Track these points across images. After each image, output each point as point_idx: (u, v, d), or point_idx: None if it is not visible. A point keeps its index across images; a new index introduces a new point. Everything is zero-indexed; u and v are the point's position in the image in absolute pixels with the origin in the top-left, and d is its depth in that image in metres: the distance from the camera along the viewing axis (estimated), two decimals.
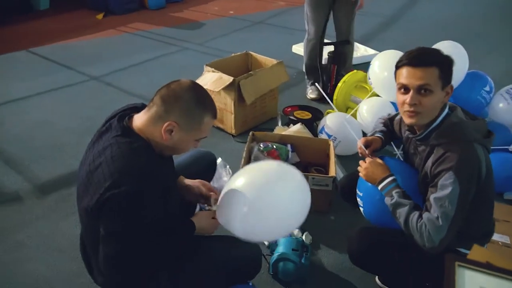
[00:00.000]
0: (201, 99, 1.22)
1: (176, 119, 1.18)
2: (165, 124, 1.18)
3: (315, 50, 3.16)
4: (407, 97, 1.37)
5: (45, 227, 2.03)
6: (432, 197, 1.34)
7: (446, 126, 1.39)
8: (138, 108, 1.31)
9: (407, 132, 1.58)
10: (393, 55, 2.49)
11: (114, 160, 1.13)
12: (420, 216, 1.35)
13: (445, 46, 2.53)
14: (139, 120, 1.23)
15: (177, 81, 1.25)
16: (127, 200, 1.09)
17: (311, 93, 3.31)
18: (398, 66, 1.42)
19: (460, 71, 2.48)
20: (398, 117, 1.75)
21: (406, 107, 1.39)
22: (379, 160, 1.58)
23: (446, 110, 1.42)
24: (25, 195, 2.24)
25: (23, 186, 2.31)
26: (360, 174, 1.60)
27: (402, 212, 1.40)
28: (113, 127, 1.22)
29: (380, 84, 2.58)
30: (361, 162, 1.62)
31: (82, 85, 3.50)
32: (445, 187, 1.31)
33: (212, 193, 1.49)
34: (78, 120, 2.96)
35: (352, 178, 1.77)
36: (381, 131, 1.77)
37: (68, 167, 2.44)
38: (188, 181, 1.54)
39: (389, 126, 1.79)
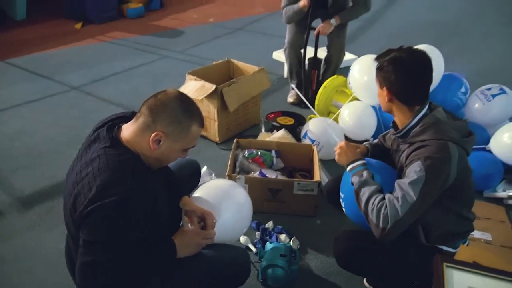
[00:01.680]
0: (188, 108, 1.23)
1: (163, 128, 1.19)
2: (153, 134, 1.18)
3: (294, 55, 3.19)
4: None
5: (29, 241, 1.98)
6: (397, 181, 1.39)
7: (422, 125, 1.44)
8: (127, 117, 1.31)
9: (391, 132, 1.63)
10: (371, 60, 2.55)
11: (101, 172, 1.12)
12: (383, 198, 1.38)
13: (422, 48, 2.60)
14: (127, 131, 1.23)
15: (164, 91, 1.25)
16: (112, 210, 1.09)
17: (290, 97, 3.35)
18: None
19: (435, 74, 2.55)
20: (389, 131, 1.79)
21: None
22: (356, 146, 1.62)
23: (424, 109, 1.47)
24: (5, 209, 2.18)
25: (2, 198, 2.25)
26: (336, 157, 1.64)
27: (366, 190, 1.43)
28: (101, 137, 1.22)
29: (360, 88, 2.63)
30: (338, 144, 1.65)
31: (61, 95, 3.45)
32: (411, 174, 1.35)
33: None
34: (58, 130, 2.91)
35: (337, 182, 1.79)
36: (370, 143, 1.82)
37: (50, 178, 2.40)
38: (193, 207, 1.46)
39: (382, 143, 1.81)
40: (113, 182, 1.11)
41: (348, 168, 1.56)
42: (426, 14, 5.93)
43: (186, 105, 1.23)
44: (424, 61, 1.46)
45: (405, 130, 1.49)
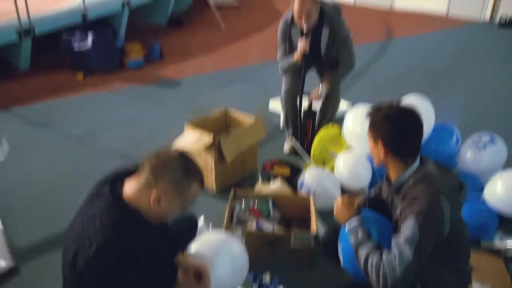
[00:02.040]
0: (188, 169, 1.28)
1: (164, 188, 1.23)
2: (154, 193, 1.22)
3: (290, 105, 3.29)
4: None
5: None
6: (393, 238, 1.41)
7: (415, 179, 1.48)
8: (129, 172, 1.35)
9: (385, 183, 1.67)
10: (364, 110, 2.63)
11: (102, 230, 1.15)
12: (381, 256, 1.39)
13: (412, 101, 2.70)
14: (129, 188, 1.27)
15: (166, 151, 1.30)
16: (111, 270, 1.11)
17: (286, 146, 3.41)
18: None
19: (427, 124, 2.63)
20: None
21: None
22: (352, 202, 1.66)
23: (416, 163, 1.52)
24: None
25: None
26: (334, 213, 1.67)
27: (364, 250, 1.44)
28: (104, 194, 1.26)
29: (355, 138, 2.70)
30: (335, 202, 1.68)
31: (61, 143, 3.51)
32: (406, 231, 1.37)
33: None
34: (57, 178, 2.94)
35: (333, 233, 1.81)
36: (368, 195, 1.86)
37: (45, 229, 2.39)
38: (187, 262, 1.46)
39: (378, 194, 1.84)
40: (113, 241, 1.13)
41: (346, 229, 1.58)
42: (415, 61, 6.16)
43: (187, 166, 1.28)
44: (415, 117, 1.53)
45: (398, 184, 1.53)
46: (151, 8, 7.97)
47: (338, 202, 1.66)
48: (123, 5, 6.68)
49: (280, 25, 3.10)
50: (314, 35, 2.99)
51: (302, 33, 2.97)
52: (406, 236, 1.36)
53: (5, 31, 4.98)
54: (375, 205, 1.75)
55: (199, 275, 1.42)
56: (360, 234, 1.49)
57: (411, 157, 1.53)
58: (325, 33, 2.99)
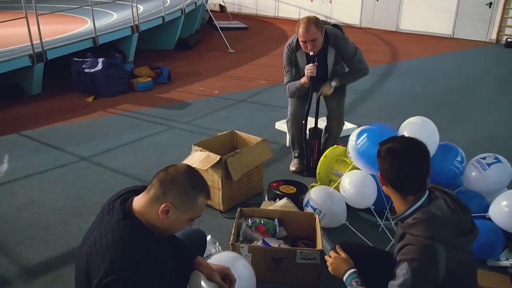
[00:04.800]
0: (195, 181, 1.33)
1: (172, 200, 1.28)
2: (162, 205, 1.27)
3: (296, 126, 3.35)
4: None
5: None
6: (389, 284, 1.43)
7: (415, 218, 1.46)
8: (138, 191, 1.40)
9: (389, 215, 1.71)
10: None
11: (115, 245, 1.20)
12: None
13: (415, 122, 2.74)
14: (138, 202, 1.32)
15: (174, 165, 1.36)
16: (125, 284, 1.14)
17: (292, 166, 3.45)
18: None
19: (431, 144, 2.66)
20: None
21: None
22: (343, 255, 1.71)
23: (421, 201, 1.49)
24: (12, 278, 2.21)
25: (9, 269, 2.28)
26: (329, 268, 1.73)
27: None
28: (115, 210, 1.31)
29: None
30: (326, 257, 1.76)
31: (71, 165, 3.58)
32: (399, 277, 1.40)
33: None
34: (66, 200, 2.99)
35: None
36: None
37: (57, 249, 2.43)
38: (211, 268, 1.57)
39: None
40: (126, 255, 1.18)
41: (344, 280, 1.65)
42: (421, 82, 6.24)
43: (194, 179, 1.34)
44: (418, 152, 1.51)
45: (400, 217, 1.54)
46: (159, 32, 8.20)
47: (330, 260, 1.72)
48: (132, 30, 6.91)
49: (285, 50, 3.19)
50: (320, 57, 3.07)
51: (307, 57, 3.05)
52: (399, 281, 1.39)
53: (19, 56, 5.15)
54: (367, 259, 1.80)
55: (227, 276, 1.47)
56: (355, 285, 1.56)
57: (412, 194, 1.51)
58: (330, 55, 3.07)
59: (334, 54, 3.07)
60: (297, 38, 3.05)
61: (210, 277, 1.52)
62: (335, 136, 3.35)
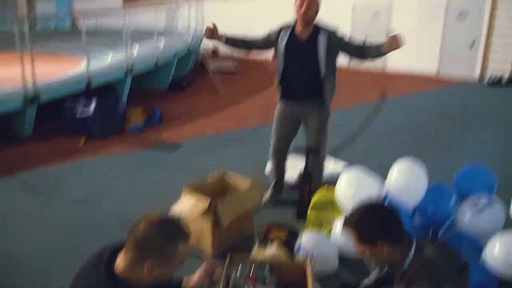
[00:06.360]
0: (169, 233, 1.31)
1: (152, 260, 1.26)
2: (145, 268, 1.25)
3: (276, 159, 3.48)
4: None
5: None
6: None
7: (414, 269, 1.51)
8: (117, 249, 1.38)
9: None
10: (355, 176, 2.71)
11: None
12: None
13: (404, 166, 2.75)
14: (120, 263, 1.30)
15: (144, 219, 1.33)
16: None
17: (264, 197, 3.51)
18: None
19: (420, 188, 2.69)
20: None
21: None
22: None
23: (411, 254, 1.55)
24: None
25: None
26: None
27: None
28: (99, 270, 1.28)
29: (348, 203, 2.72)
30: None
31: (59, 209, 3.52)
32: None
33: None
34: (53, 246, 2.93)
35: None
36: None
37: None
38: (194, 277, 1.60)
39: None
40: None
41: None
42: (409, 120, 6.34)
43: (167, 230, 1.31)
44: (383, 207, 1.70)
45: (399, 273, 1.56)
46: (153, 73, 8.33)
47: None
48: (126, 73, 7.00)
49: (277, 26, 3.22)
50: (310, 44, 3.05)
51: (289, 37, 3.07)
52: None
53: (11, 99, 5.17)
54: None
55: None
56: None
57: (405, 239, 1.60)
58: (322, 40, 3.02)
59: (326, 40, 3.02)
60: (286, 26, 3.12)
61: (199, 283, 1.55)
62: (316, 178, 3.36)
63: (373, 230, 1.60)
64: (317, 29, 3.07)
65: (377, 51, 2.97)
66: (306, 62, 3.09)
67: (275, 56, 3.21)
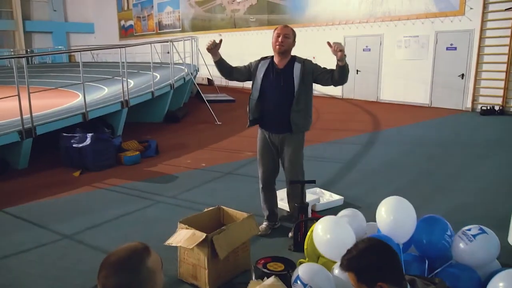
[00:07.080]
0: (137, 272, 1.28)
1: None
2: None
3: (265, 189, 3.60)
4: None
5: None
6: None
7: None
8: None
9: None
10: (333, 221, 2.72)
11: None
12: None
13: (391, 203, 2.75)
14: None
15: (108, 262, 1.33)
16: None
17: (260, 227, 3.53)
18: None
19: (409, 224, 2.69)
20: None
21: None
22: None
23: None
24: None
25: None
26: None
27: None
28: None
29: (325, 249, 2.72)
30: None
31: (52, 244, 3.47)
32: None
33: None
34: (45, 282, 2.87)
35: None
36: None
37: None
38: None
39: None
40: None
41: None
42: (400, 156, 6.34)
43: (128, 262, 1.29)
44: (383, 245, 1.66)
45: None
46: (149, 106, 8.42)
47: None
48: (122, 105, 7.08)
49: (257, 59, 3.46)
50: (286, 70, 3.30)
51: (267, 68, 3.31)
52: None
53: (7, 132, 5.19)
54: None
55: None
56: None
57: (404, 280, 1.60)
58: (297, 66, 3.29)
59: (300, 66, 3.28)
60: (265, 57, 3.38)
61: None
62: (297, 200, 3.39)
63: (373, 272, 1.57)
64: (293, 59, 3.35)
65: (337, 69, 3.17)
66: (281, 87, 3.30)
67: (252, 84, 3.44)
